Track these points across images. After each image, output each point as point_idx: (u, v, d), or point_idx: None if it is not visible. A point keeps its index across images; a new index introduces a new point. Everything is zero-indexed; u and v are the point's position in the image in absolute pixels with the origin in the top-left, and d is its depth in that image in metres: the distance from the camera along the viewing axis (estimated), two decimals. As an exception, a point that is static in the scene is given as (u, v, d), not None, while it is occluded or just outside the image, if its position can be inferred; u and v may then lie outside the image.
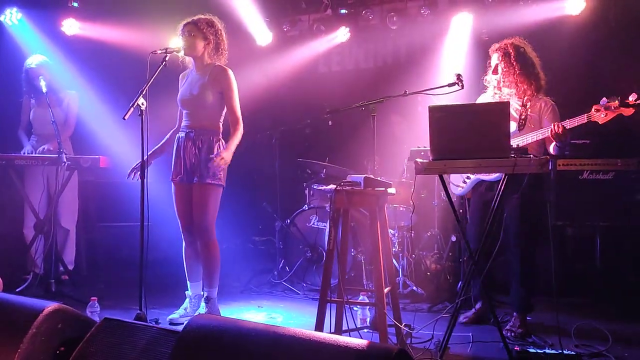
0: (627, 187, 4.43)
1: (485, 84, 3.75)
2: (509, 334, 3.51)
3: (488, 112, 2.89)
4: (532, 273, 3.67)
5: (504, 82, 3.65)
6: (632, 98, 3.16)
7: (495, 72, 3.66)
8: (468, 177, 3.78)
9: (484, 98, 3.78)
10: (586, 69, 5.32)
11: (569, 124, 3.28)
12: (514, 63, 3.60)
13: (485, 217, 3.53)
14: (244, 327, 2.11)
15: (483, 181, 3.70)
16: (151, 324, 2.81)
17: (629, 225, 4.41)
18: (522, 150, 2.88)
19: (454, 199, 4.72)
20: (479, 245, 3.52)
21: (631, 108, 3.17)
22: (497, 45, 3.72)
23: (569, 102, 3.80)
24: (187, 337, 2.09)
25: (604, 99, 3.23)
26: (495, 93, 3.69)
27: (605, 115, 3.21)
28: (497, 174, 3.48)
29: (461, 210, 4.44)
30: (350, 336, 2.37)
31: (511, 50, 3.63)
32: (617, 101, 3.18)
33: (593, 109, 3.24)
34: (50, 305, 2.43)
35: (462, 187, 3.89)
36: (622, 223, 4.42)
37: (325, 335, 1.92)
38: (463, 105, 3.25)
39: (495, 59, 3.68)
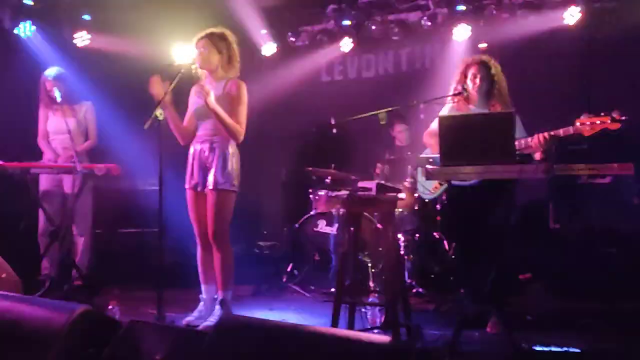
0: (624, 191, 4.59)
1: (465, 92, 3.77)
2: (493, 332, 3.62)
3: (495, 121, 3.05)
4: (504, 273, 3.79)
5: (484, 95, 3.78)
6: (615, 115, 3.33)
7: (484, 83, 3.77)
8: (440, 182, 3.89)
9: (449, 109, 3.87)
10: (581, 77, 5.49)
11: (554, 134, 3.44)
12: (496, 80, 3.77)
13: (464, 220, 3.73)
14: (273, 325, 2.23)
15: (455, 186, 3.77)
16: (179, 325, 2.93)
17: (626, 228, 4.57)
18: (528, 157, 3.04)
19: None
20: (469, 248, 3.74)
21: (617, 123, 3.34)
22: (480, 59, 3.85)
23: (564, 110, 3.96)
24: (219, 337, 2.20)
25: (585, 113, 3.41)
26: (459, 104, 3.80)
27: (591, 129, 3.37)
28: (474, 180, 3.58)
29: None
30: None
31: (498, 67, 3.81)
32: (608, 117, 3.34)
33: (577, 123, 3.40)
34: (80, 308, 2.54)
35: (433, 192, 4.00)
36: (620, 226, 4.58)
37: (351, 333, 2.05)
38: (471, 115, 3.42)
39: (487, 70, 3.79)
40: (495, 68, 3.80)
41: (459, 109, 3.80)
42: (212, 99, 3.69)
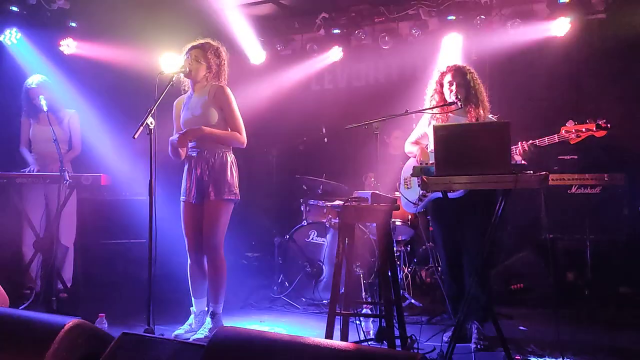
0: (614, 201, 4.62)
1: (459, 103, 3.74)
2: (478, 346, 3.58)
3: (490, 131, 3.03)
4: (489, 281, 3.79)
5: (469, 103, 3.78)
6: (601, 122, 3.36)
7: (462, 89, 3.77)
8: (424, 195, 3.85)
9: (426, 120, 3.91)
10: (570, 87, 5.54)
11: (539, 142, 3.46)
12: (472, 85, 3.79)
13: (450, 232, 3.74)
14: (270, 337, 2.18)
15: (439, 198, 3.74)
16: (172, 338, 2.86)
17: (616, 238, 4.59)
18: (522, 167, 3.02)
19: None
20: (455, 261, 3.73)
21: (602, 130, 3.37)
22: (455, 65, 3.87)
23: (553, 119, 3.97)
24: (214, 349, 2.15)
25: (570, 121, 3.44)
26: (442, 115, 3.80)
27: (577, 137, 3.39)
28: (459, 192, 3.57)
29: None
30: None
31: (474, 73, 3.84)
32: (593, 124, 3.38)
33: (562, 131, 3.43)
34: (71, 321, 2.46)
35: (418, 205, 3.96)
36: (610, 236, 4.60)
37: (349, 344, 2.01)
38: (466, 125, 3.41)
39: (463, 76, 3.80)
40: (471, 74, 3.82)
41: (438, 120, 3.81)
42: (204, 131, 3.66)
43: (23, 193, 4.75)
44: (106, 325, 3.58)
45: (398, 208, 3.34)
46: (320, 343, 2.06)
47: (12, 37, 5.53)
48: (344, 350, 2.01)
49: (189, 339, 3.72)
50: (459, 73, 3.79)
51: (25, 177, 4.54)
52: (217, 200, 3.71)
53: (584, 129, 3.38)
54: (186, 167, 3.85)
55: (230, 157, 3.80)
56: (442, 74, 3.85)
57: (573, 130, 3.39)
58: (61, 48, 5.87)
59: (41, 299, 4.45)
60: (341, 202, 3.25)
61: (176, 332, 3.83)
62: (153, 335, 2.47)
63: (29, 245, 4.73)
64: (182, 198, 3.85)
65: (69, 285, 4.87)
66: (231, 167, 3.77)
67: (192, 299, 3.92)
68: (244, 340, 2.16)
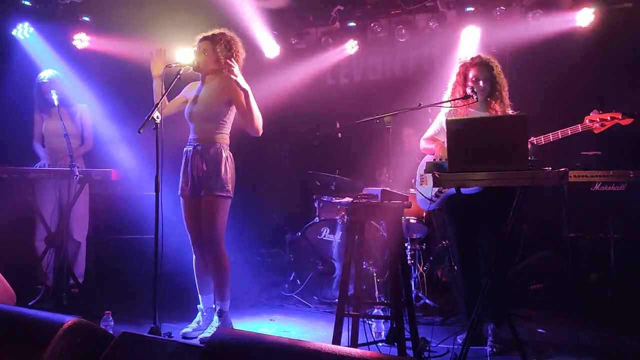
0: (640, 199, 4.43)
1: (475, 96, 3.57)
2: (494, 350, 3.44)
3: (506, 125, 2.89)
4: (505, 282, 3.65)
5: (486, 96, 3.63)
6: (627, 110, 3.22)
7: (487, 84, 3.63)
8: (440, 192, 3.71)
9: (447, 114, 3.74)
10: (594, 80, 5.34)
11: (562, 133, 3.31)
12: (498, 80, 3.63)
13: (465, 230, 3.60)
14: (269, 341, 2.09)
15: (454, 195, 3.57)
16: (172, 339, 2.80)
17: (642, 237, 4.41)
18: (539, 163, 2.87)
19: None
20: (470, 260, 3.60)
21: (629, 118, 3.21)
22: (481, 59, 3.70)
23: (575, 113, 3.82)
24: (211, 352, 2.07)
25: (595, 110, 3.28)
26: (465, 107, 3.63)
27: (602, 126, 3.24)
28: (475, 188, 3.42)
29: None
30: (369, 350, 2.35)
31: (498, 66, 3.68)
32: (619, 113, 3.23)
33: (586, 120, 3.27)
34: (70, 320, 2.40)
35: (434, 202, 3.81)
36: (636, 235, 4.42)
37: (352, 350, 1.90)
38: (481, 119, 3.26)
39: (489, 71, 3.65)
40: (497, 68, 3.65)
41: (458, 113, 3.65)
42: (241, 85, 3.57)
43: (35, 188, 4.76)
44: (112, 323, 3.52)
45: (410, 205, 3.20)
46: (321, 348, 1.96)
47: (25, 31, 5.51)
48: (347, 356, 1.91)
49: (196, 337, 3.67)
50: (485, 68, 3.62)
51: (36, 172, 4.53)
52: (209, 196, 3.64)
53: (609, 117, 3.23)
54: (182, 161, 3.79)
55: (226, 153, 3.72)
56: (467, 68, 3.68)
57: (597, 120, 3.25)
58: (74, 42, 5.85)
59: (52, 295, 4.43)
60: (350, 199, 3.14)
61: (184, 331, 3.78)
62: (153, 336, 2.41)
63: (41, 240, 4.74)
64: (178, 193, 3.80)
65: (81, 280, 4.85)
66: (226, 163, 3.69)
67: (199, 295, 3.87)
68: (242, 344, 2.08)
